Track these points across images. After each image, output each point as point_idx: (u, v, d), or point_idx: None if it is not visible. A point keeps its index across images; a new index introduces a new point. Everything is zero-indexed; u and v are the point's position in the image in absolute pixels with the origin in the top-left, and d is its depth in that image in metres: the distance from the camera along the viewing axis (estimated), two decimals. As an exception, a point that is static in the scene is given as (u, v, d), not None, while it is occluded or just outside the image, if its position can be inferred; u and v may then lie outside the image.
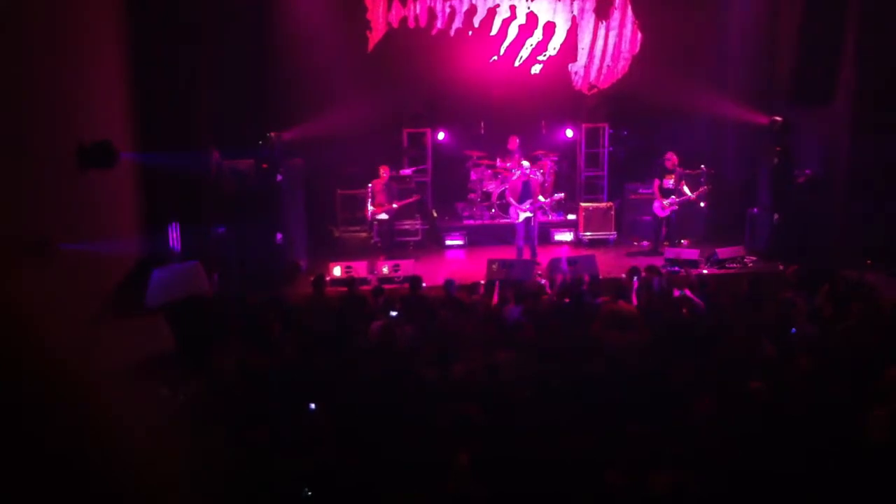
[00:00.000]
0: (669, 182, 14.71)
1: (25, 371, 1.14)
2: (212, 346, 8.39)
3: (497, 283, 11.71)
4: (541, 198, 14.21)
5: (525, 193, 13.95)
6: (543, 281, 12.64)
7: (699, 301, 10.47)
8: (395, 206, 14.44)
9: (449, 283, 11.18)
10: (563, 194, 14.98)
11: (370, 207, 14.46)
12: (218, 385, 7.33)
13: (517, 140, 16.05)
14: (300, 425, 6.41)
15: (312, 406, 6.88)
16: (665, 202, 14.63)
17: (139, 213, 11.65)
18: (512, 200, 14.20)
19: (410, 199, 14.84)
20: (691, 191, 14.72)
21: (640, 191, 15.78)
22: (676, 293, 10.90)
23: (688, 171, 15.21)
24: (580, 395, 6.87)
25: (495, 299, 11.09)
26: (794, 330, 8.97)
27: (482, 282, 12.27)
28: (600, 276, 12.45)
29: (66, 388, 1.18)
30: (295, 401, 6.88)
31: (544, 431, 6.17)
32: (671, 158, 14.73)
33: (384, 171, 14.41)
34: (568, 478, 5.57)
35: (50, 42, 8.62)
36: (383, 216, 14.42)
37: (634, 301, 10.88)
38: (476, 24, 16.21)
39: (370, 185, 14.56)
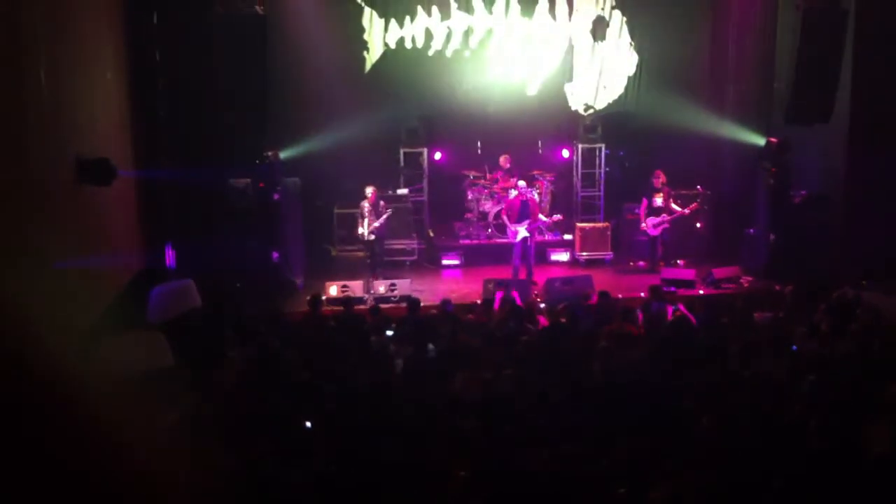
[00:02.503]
0: (658, 200, 14.78)
1: (24, 381, 1.13)
2: (210, 362, 8.37)
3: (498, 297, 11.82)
4: (542, 217, 14.27)
5: (523, 213, 13.97)
6: (540, 301, 12.69)
7: (693, 318, 10.54)
8: (376, 225, 14.22)
9: (445, 303, 11.19)
10: (561, 216, 15.02)
11: (360, 230, 14.31)
12: (217, 398, 7.32)
13: (509, 159, 16.12)
14: (299, 437, 6.40)
15: (308, 424, 6.88)
16: (654, 220, 14.70)
17: (138, 229, 11.66)
18: (506, 219, 14.24)
19: (383, 217, 14.28)
20: (683, 208, 14.79)
21: (637, 210, 15.82)
22: (670, 309, 10.96)
23: (683, 191, 15.28)
24: (579, 408, 6.87)
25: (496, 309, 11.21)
26: (794, 347, 8.98)
27: (479, 301, 12.29)
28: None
29: (66, 398, 1.18)
30: (294, 413, 6.87)
31: (543, 444, 6.16)
32: (659, 176, 14.82)
33: (370, 192, 14.29)
34: (566, 491, 5.55)
35: (50, 54, 8.64)
36: (372, 237, 14.36)
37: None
38: (473, 45, 16.27)
39: (361, 205, 14.45)
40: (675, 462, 5.80)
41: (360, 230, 14.23)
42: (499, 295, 12.12)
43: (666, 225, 14.79)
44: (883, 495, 5.50)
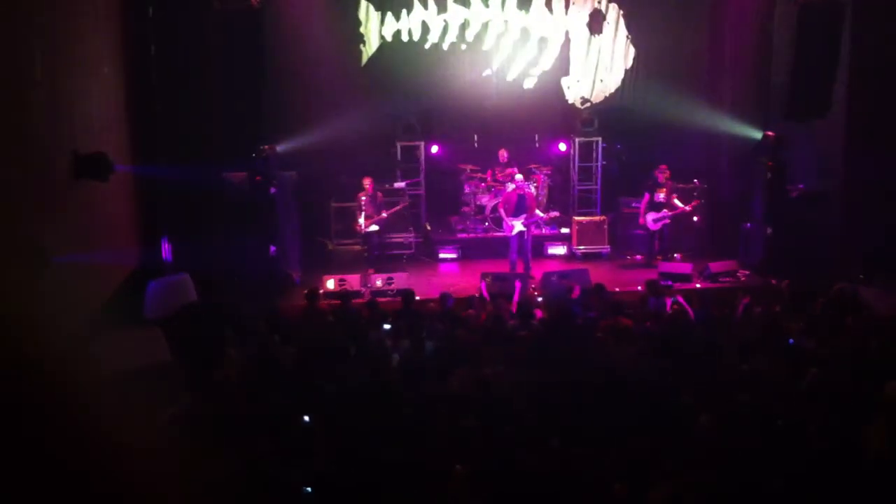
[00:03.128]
0: (660, 196, 14.76)
1: (22, 379, 1.12)
2: (209, 358, 8.35)
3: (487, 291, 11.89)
4: (538, 212, 14.27)
5: (520, 207, 13.97)
6: (538, 295, 12.69)
7: (690, 311, 10.55)
8: (384, 215, 14.39)
9: (445, 297, 11.17)
10: (558, 212, 15.05)
11: (360, 221, 14.37)
12: (216, 395, 7.30)
13: (507, 153, 16.12)
14: (299, 435, 6.38)
15: (307, 418, 6.87)
16: (655, 215, 14.69)
17: (135, 224, 11.64)
18: (503, 213, 14.25)
19: (397, 207, 14.77)
20: (684, 204, 14.77)
21: (634, 204, 15.79)
22: (669, 301, 10.97)
23: (680, 185, 15.27)
24: (578, 407, 6.85)
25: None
26: (791, 341, 8.98)
27: (476, 295, 12.29)
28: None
29: (65, 396, 1.16)
30: (293, 411, 6.85)
31: (541, 443, 6.15)
32: (664, 171, 14.78)
33: (368, 184, 14.35)
34: (566, 490, 5.54)
35: (47, 50, 8.61)
36: (374, 227, 14.38)
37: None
38: (470, 38, 16.24)
39: (359, 197, 14.50)
40: (675, 462, 5.79)
41: (360, 221, 14.27)
42: (482, 286, 12.19)
43: (666, 221, 14.78)
44: (882, 495, 5.50)
